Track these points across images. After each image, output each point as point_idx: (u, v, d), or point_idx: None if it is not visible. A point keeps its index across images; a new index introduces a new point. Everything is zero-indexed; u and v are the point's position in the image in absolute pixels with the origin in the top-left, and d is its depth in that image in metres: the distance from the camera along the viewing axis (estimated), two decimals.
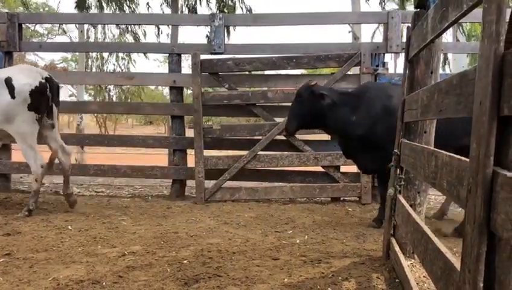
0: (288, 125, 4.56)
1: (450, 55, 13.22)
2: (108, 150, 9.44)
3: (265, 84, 5.99)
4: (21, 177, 7.23)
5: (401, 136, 3.03)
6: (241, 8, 13.58)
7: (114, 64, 17.51)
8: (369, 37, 20.33)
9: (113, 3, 13.86)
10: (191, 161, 5.94)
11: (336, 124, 4.38)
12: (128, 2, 14.07)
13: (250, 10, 13.55)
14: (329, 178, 5.66)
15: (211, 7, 13.69)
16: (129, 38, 15.53)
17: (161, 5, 14.08)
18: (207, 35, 13.33)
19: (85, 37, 14.99)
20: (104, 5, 13.73)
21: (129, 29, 15.23)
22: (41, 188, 5.90)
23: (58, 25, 15.60)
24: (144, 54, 13.08)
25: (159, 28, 13.85)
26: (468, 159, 1.36)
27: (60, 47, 8.36)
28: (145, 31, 16.61)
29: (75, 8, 13.39)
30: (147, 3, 14.20)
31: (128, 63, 17.41)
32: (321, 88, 4.48)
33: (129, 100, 18.80)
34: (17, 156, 6.87)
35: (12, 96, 4.44)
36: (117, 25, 14.54)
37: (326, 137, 6.92)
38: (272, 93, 5.58)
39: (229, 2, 13.43)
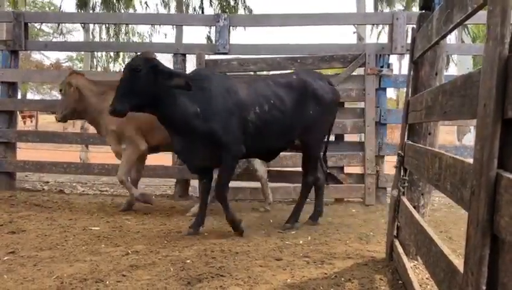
0: (116, 104, 3.59)
1: (454, 57, 13.18)
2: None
3: None
4: (26, 176, 7.27)
5: (406, 137, 3.02)
6: (244, 9, 13.64)
7: (120, 64, 17.63)
8: (374, 38, 20.32)
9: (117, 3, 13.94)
10: None
11: (175, 114, 3.72)
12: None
13: (250, 11, 13.58)
14: (333, 179, 5.65)
15: (214, 7, 13.76)
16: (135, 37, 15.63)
17: (156, 5, 14.24)
18: (207, 36, 13.43)
19: (90, 37, 15.05)
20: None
21: (134, 29, 15.32)
22: (45, 186, 5.93)
23: (62, 24, 15.61)
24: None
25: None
26: (471, 162, 1.36)
27: (65, 46, 8.40)
28: (151, 32, 16.70)
29: (77, 7, 13.48)
30: (145, 3, 14.26)
31: None
32: (163, 65, 3.75)
33: None
34: (21, 154, 6.91)
35: None
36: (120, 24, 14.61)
37: (330, 138, 6.91)
38: None
39: (231, 2, 13.48)
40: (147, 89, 3.61)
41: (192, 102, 3.73)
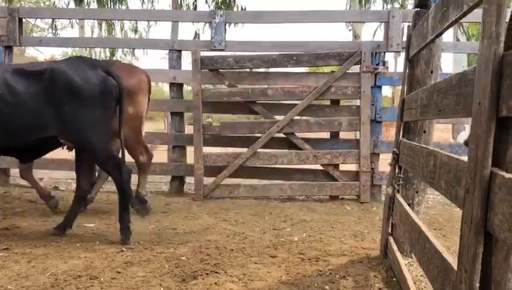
0: None
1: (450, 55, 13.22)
2: None
3: (265, 82, 5.98)
4: None
5: (401, 135, 3.03)
6: (237, 7, 13.64)
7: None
8: (369, 36, 20.34)
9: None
10: (190, 158, 5.95)
11: None
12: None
13: (244, 9, 13.58)
14: (328, 176, 5.66)
15: (209, 4, 13.76)
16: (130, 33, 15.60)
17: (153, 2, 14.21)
18: (196, 32, 13.44)
19: (86, 33, 14.98)
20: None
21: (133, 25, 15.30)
22: (40, 183, 5.90)
23: (56, 20, 15.53)
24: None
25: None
26: (466, 160, 1.37)
27: (60, 42, 8.32)
28: (148, 28, 16.69)
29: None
30: None
31: (132, 59, 17.51)
32: None
33: None
34: None
35: None
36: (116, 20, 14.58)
37: (325, 135, 6.93)
38: (272, 90, 5.58)
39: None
40: None
41: None
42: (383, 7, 14.78)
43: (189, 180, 6.07)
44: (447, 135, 14.28)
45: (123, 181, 3.61)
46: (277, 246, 3.53)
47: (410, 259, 3.00)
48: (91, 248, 3.38)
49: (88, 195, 4.49)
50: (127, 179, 3.65)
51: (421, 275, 2.76)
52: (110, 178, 3.96)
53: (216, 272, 2.87)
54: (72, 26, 15.19)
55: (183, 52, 6.11)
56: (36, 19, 19.90)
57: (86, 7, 13.43)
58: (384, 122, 5.96)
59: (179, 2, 13.64)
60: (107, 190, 6.21)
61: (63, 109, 3.50)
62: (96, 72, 3.64)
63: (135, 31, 15.90)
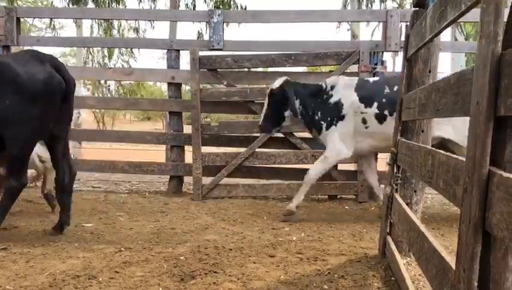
0: None
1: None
2: (106, 145, 9.44)
3: (263, 82, 5.97)
4: None
5: (399, 134, 3.03)
6: (237, 6, 13.62)
7: (115, 60, 17.60)
8: (368, 36, 20.32)
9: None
10: (188, 158, 5.94)
11: None
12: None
13: (245, 8, 13.56)
14: (326, 176, 5.65)
15: (207, 2, 13.76)
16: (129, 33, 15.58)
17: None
18: (199, 32, 13.42)
19: (84, 32, 14.95)
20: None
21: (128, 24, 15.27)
22: (37, 182, 5.89)
23: (54, 19, 15.45)
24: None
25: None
26: (464, 159, 1.37)
27: (58, 41, 8.31)
28: (149, 28, 16.67)
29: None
30: None
31: (129, 58, 17.48)
32: None
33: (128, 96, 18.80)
34: None
35: None
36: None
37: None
38: None
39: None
40: None
41: None
42: (380, 7, 14.81)
43: (188, 180, 6.06)
44: None
45: (15, 188, 3.50)
46: (276, 245, 3.53)
47: (408, 258, 3.00)
48: (89, 248, 3.37)
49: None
50: (19, 189, 3.53)
51: (419, 275, 2.76)
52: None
53: (215, 272, 2.87)
54: (77, 26, 15.05)
55: (181, 51, 6.10)
56: (34, 18, 19.88)
57: (83, 7, 13.38)
58: None
59: (177, 2, 13.61)
60: (104, 190, 6.21)
61: (4, 104, 3.33)
62: (44, 68, 3.49)
63: (134, 30, 15.84)
